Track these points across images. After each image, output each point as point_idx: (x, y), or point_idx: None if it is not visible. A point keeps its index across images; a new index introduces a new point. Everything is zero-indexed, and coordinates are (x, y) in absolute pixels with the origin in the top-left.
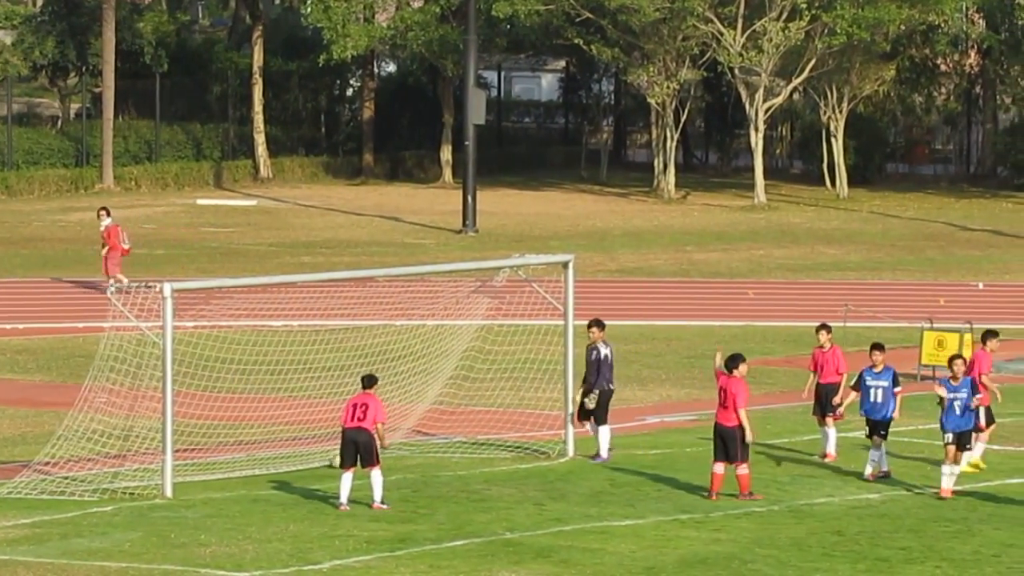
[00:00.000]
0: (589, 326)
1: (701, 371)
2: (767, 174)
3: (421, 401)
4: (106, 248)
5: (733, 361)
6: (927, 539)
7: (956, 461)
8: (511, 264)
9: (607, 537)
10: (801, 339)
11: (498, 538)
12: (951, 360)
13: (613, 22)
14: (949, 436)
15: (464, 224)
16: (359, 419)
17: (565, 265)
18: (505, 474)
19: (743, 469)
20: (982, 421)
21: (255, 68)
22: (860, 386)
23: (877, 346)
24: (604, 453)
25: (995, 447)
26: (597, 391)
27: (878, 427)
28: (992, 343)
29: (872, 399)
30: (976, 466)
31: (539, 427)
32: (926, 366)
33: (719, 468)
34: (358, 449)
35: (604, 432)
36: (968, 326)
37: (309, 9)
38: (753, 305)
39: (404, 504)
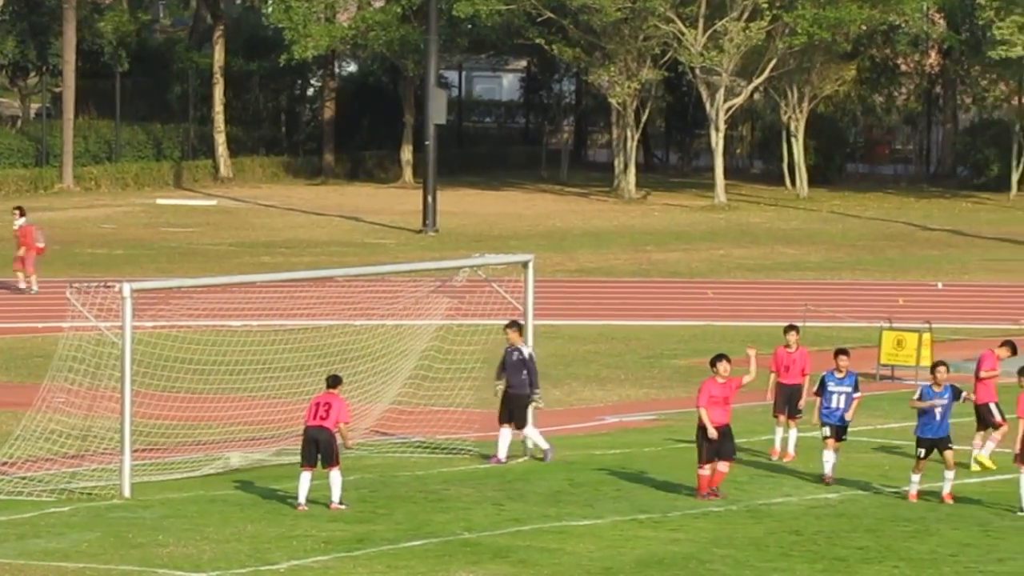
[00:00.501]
0: (506, 328)
1: (660, 371)
2: (727, 174)
3: (380, 401)
4: (23, 248)
5: (714, 359)
6: (885, 539)
7: (951, 465)
8: (471, 264)
9: (565, 537)
10: (760, 339)
11: (456, 538)
12: (934, 367)
13: (574, 22)
14: (922, 452)
15: (424, 224)
16: (321, 418)
17: (525, 265)
18: (463, 474)
19: (700, 469)
20: (996, 417)
21: (216, 68)
22: (822, 391)
23: (842, 351)
24: (502, 455)
25: (957, 447)
26: (538, 392)
27: (839, 432)
28: (1002, 351)
29: (835, 404)
30: (983, 464)
31: (498, 427)
32: (885, 366)
33: (720, 466)
34: (319, 448)
35: (507, 434)
36: (928, 326)
37: (270, 9)
38: (713, 305)
39: (362, 504)
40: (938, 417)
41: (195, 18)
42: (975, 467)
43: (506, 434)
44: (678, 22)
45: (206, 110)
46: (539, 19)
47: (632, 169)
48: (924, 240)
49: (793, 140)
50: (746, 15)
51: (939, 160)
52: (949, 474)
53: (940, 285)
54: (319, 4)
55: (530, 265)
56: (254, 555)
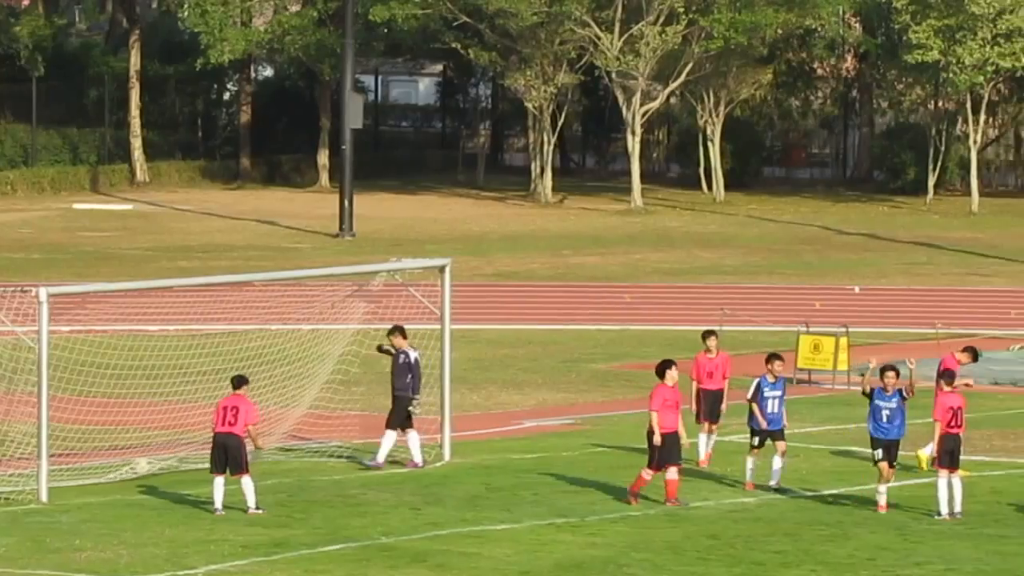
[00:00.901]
0: (390, 333)
1: (578, 375)
2: (644, 178)
3: (297, 405)
4: None
5: (663, 368)
6: (803, 543)
7: (889, 479)
8: (388, 268)
9: (483, 541)
10: (677, 343)
11: (374, 543)
12: (882, 372)
13: (491, 26)
14: (879, 452)
15: (341, 228)
16: (230, 423)
17: (442, 269)
18: (381, 478)
19: (644, 471)
20: None
21: (132, 72)
22: (759, 397)
23: (776, 356)
24: (417, 458)
25: (840, 448)
26: (418, 398)
27: (775, 437)
28: (964, 356)
29: (770, 409)
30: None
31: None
32: (802, 370)
33: (670, 473)
34: (227, 454)
35: (391, 438)
36: (844, 329)
37: (186, 13)
38: (630, 309)
39: (280, 509)
40: (885, 419)
41: (111, 22)
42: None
43: (414, 437)
44: (594, 26)
45: (122, 114)
46: (455, 23)
47: (548, 173)
48: (841, 244)
49: (710, 144)
50: (662, 19)
51: (856, 164)
52: (883, 488)
53: (857, 289)
54: (235, 8)
55: (447, 269)
56: (172, 559)
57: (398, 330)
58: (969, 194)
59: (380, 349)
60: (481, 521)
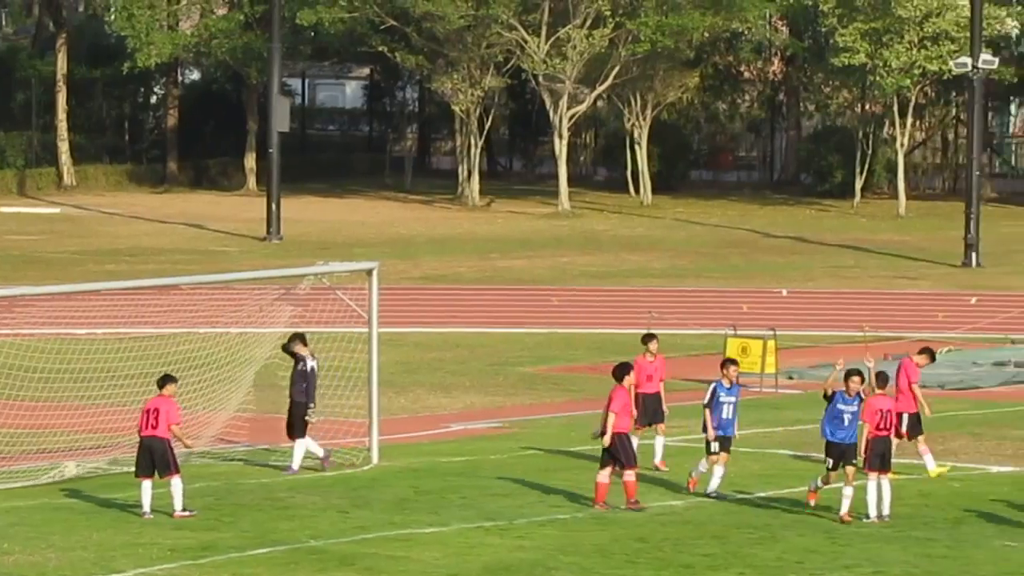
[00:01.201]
0: (291, 340)
1: (505, 378)
2: (571, 181)
3: (224, 408)
4: None
5: (623, 372)
6: (731, 545)
7: (850, 480)
8: (315, 272)
9: (411, 545)
10: (605, 346)
11: (302, 546)
12: (847, 377)
13: (418, 29)
14: (831, 462)
15: (268, 231)
16: (152, 426)
17: (369, 272)
18: (309, 481)
19: (624, 475)
20: (903, 428)
21: (59, 75)
22: (713, 403)
23: (732, 361)
24: (295, 466)
25: (799, 454)
26: (313, 406)
27: (725, 444)
28: (921, 358)
29: (725, 415)
30: (940, 474)
31: (343, 435)
32: None
33: (601, 476)
34: (153, 457)
35: (302, 446)
36: (772, 332)
37: (113, 17)
38: (557, 312)
39: (208, 512)
40: (846, 422)
41: (38, 26)
42: (935, 472)
43: (309, 441)
44: (521, 30)
45: (49, 118)
46: (382, 27)
47: (476, 176)
48: (768, 247)
49: (637, 147)
50: (589, 23)
51: (783, 167)
52: (848, 491)
53: (784, 292)
54: (162, 12)
55: (374, 272)
56: (99, 563)
57: (298, 337)
58: (896, 197)
59: (285, 349)
60: (409, 524)
